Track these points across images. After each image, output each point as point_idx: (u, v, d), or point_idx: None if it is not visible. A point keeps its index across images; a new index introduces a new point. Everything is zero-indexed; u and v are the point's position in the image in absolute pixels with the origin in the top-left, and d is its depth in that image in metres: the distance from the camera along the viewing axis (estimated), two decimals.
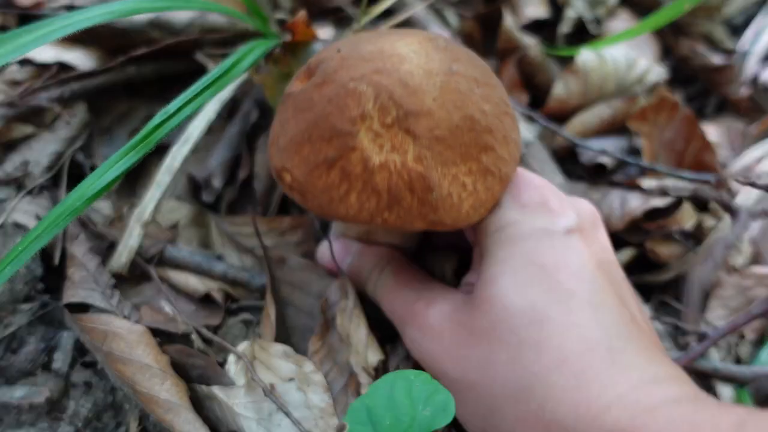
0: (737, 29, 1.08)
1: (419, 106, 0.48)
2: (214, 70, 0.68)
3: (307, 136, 0.50)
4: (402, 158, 0.48)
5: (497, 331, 0.47)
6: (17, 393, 0.62)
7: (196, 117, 0.72)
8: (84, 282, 0.66)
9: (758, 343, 0.74)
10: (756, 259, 0.80)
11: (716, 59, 0.98)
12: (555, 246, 0.50)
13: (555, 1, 1.02)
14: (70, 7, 0.80)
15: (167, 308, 0.66)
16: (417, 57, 0.50)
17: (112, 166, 0.61)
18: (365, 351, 0.62)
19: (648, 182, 0.80)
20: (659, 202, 0.78)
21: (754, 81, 1.02)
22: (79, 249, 0.68)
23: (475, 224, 0.54)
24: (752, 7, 1.10)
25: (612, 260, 0.54)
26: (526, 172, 0.57)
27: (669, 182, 0.80)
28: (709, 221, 0.80)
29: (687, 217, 0.79)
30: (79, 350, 0.66)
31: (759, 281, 0.76)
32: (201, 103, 0.66)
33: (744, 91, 0.97)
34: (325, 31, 0.89)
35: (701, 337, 0.69)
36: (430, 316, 0.52)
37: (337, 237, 0.67)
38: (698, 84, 1.04)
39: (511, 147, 0.53)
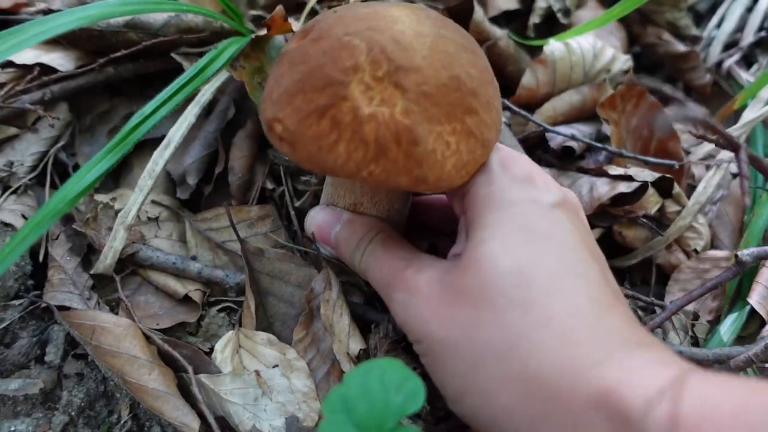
0: (702, 17, 1.11)
1: (409, 61, 0.50)
2: (189, 69, 0.70)
3: (301, 87, 0.51)
4: (390, 110, 0.49)
5: (485, 291, 0.48)
6: (12, 385, 0.64)
7: (177, 121, 0.74)
8: (62, 285, 0.68)
9: (715, 324, 0.78)
10: (713, 243, 0.84)
11: (681, 46, 1.00)
12: (543, 216, 0.51)
13: None
14: (48, 11, 0.81)
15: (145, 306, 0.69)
16: (408, 19, 0.52)
17: (93, 167, 0.63)
18: (347, 339, 0.65)
19: (615, 169, 0.83)
20: (625, 187, 0.80)
21: (718, 67, 1.04)
22: (58, 251, 0.70)
23: (456, 189, 0.56)
24: None
25: (593, 240, 0.55)
26: (513, 150, 0.58)
27: (635, 169, 0.83)
28: (672, 206, 0.84)
29: (651, 203, 0.82)
30: (71, 343, 0.69)
31: (714, 264, 0.80)
32: (177, 103, 0.68)
33: (708, 78, 0.99)
34: (297, 26, 0.90)
35: (660, 309, 0.72)
36: (419, 280, 0.53)
37: (325, 206, 0.66)
38: (664, 71, 1.07)
39: (493, 114, 0.54)
